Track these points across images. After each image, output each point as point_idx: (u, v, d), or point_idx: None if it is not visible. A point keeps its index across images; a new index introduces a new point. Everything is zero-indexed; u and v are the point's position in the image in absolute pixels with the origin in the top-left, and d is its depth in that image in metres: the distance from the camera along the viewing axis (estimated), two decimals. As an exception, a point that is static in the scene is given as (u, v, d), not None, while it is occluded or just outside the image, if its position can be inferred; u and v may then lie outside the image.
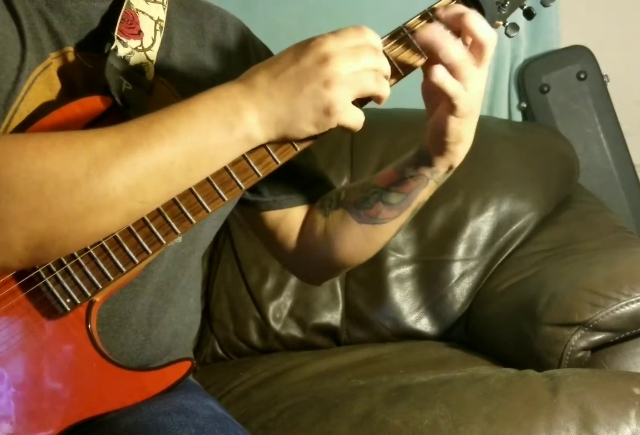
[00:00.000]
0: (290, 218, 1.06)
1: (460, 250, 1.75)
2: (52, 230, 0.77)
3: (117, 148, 0.77)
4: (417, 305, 1.73)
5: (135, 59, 0.93)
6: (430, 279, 1.74)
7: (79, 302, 0.84)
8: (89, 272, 0.83)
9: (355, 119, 0.82)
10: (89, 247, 0.82)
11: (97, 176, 0.76)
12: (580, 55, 2.05)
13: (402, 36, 0.86)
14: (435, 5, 0.88)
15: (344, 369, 1.50)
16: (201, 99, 0.81)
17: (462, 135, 0.90)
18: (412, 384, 1.32)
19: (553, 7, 1.88)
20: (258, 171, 0.83)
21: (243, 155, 0.82)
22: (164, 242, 0.83)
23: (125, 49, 0.91)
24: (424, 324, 1.72)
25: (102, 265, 0.83)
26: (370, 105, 0.85)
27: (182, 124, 0.79)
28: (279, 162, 0.84)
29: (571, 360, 1.36)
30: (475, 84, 0.85)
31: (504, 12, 0.91)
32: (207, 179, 0.82)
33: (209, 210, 0.83)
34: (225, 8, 1.07)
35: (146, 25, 0.95)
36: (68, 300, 0.83)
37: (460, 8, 0.86)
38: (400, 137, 1.77)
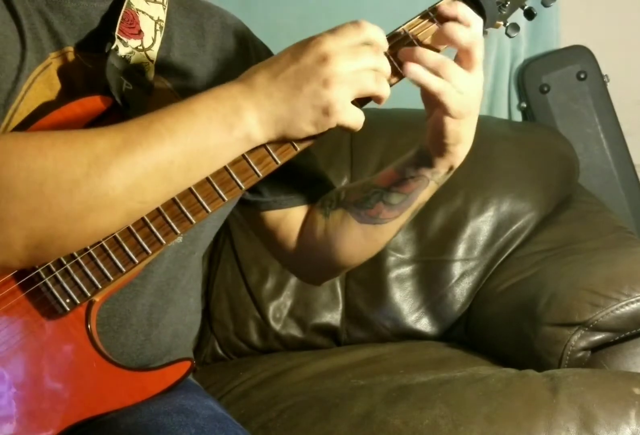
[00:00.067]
0: (290, 218, 1.06)
1: (460, 250, 1.75)
2: (52, 229, 0.77)
3: (117, 148, 0.77)
4: (417, 305, 1.73)
5: (136, 58, 0.93)
6: (430, 279, 1.74)
7: (78, 302, 0.83)
8: (89, 272, 0.83)
9: (354, 118, 0.82)
10: (88, 247, 0.82)
11: (97, 176, 0.76)
12: (580, 55, 2.05)
13: (402, 36, 0.86)
14: (436, 5, 0.88)
15: (344, 369, 1.50)
16: (201, 98, 0.81)
17: (460, 136, 0.90)
18: (412, 384, 1.32)
19: (553, 7, 1.88)
20: (258, 171, 0.83)
21: (243, 155, 0.82)
22: (164, 242, 0.83)
23: (126, 48, 0.91)
24: (424, 324, 1.72)
25: (101, 265, 0.83)
26: (370, 105, 0.85)
27: (182, 123, 0.79)
28: (279, 162, 0.84)
29: (571, 360, 1.36)
30: (467, 85, 0.85)
31: (504, 13, 0.91)
32: (207, 179, 0.82)
33: (209, 210, 0.83)
34: (225, 8, 1.07)
35: (146, 25, 0.95)
36: (68, 301, 0.83)
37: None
38: (400, 137, 1.77)
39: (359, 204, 1.00)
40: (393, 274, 1.75)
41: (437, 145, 0.92)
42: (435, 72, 0.84)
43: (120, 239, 0.82)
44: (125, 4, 0.93)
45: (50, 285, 0.83)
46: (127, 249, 0.83)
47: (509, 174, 1.81)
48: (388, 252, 1.74)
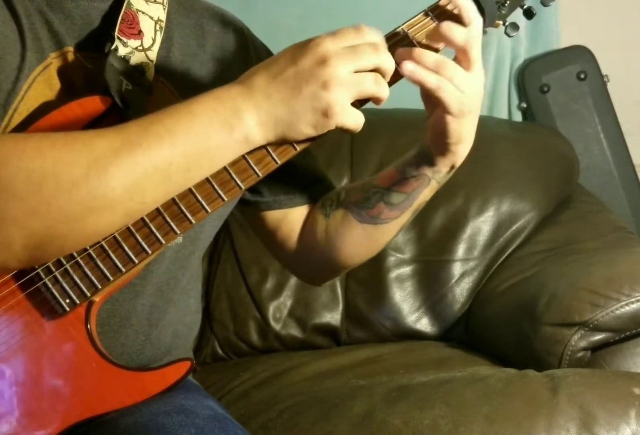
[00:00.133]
0: (290, 218, 1.06)
1: (460, 250, 1.75)
2: (51, 230, 0.77)
3: (116, 148, 0.77)
4: (417, 305, 1.73)
5: (136, 58, 0.93)
6: (430, 279, 1.74)
7: (78, 302, 0.84)
8: (89, 272, 0.83)
9: (354, 120, 0.82)
10: (88, 247, 0.82)
11: (97, 176, 0.76)
12: (580, 55, 2.05)
13: (401, 36, 0.86)
14: (434, 6, 0.88)
15: (344, 369, 1.50)
16: (201, 100, 0.81)
17: (462, 135, 0.90)
18: (412, 384, 1.32)
19: (553, 7, 1.88)
20: (257, 171, 0.83)
21: (242, 156, 0.82)
22: (164, 242, 0.83)
23: (126, 48, 0.91)
24: (424, 324, 1.72)
25: (101, 265, 0.83)
26: (370, 105, 0.85)
27: (181, 124, 0.79)
28: (279, 162, 0.84)
29: (571, 360, 1.36)
30: (468, 84, 0.85)
31: (503, 12, 0.91)
32: (207, 179, 0.82)
33: (209, 210, 0.83)
34: (225, 8, 1.07)
35: (146, 25, 0.95)
36: (67, 301, 0.83)
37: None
38: (400, 137, 1.77)
39: (359, 204, 1.00)
40: (393, 274, 1.75)
41: (439, 145, 0.92)
42: (435, 72, 0.84)
43: (119, 239, 0.82)
44: (125, 4, 0.93)
45: (50, 285, 0.83)
46: (126, 249, 0.83)
47: (509, 174, 1.81)
48: (388, 252, 1.74)
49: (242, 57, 1.04)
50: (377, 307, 1.73)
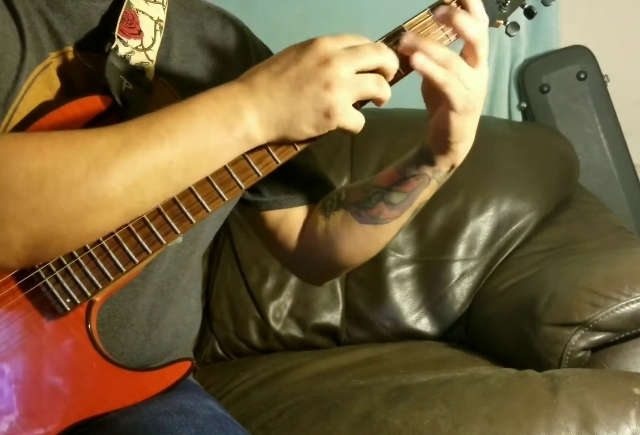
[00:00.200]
0: (291, 218, 1.06)
1: (460, 250, 1.75)
2: (51, 229, 0.77)
3: (116, 148, 0.77)
4: (417, 305, 1.73)
5: (136, 58, 0.93)
6: (430, 279, 1.74)
7: (78, 302, 0.83)
8: (89, 272, 0.83)
9: (355, 121, 0.81)
10: (88, 247, 0.82)
11: (96, 176, 0.76)
12: (580, 55, 2.05)
13: (401, 36, 0.86)
14: (435, 6, 0.88)
15: (344, 369, 1.50)
16: (200, 99, 0.81)
17: (464, 133, 0.90)
18: (412, 384, 1.32)
19: (553, 7, 1.88)
20: (258, 171, 0.83)
21: (243, 155, 0.82)
22: (164, 242, 0.83)
23: (126, 48, 0.91)
24: (424, 324, 1.72)
25: (102, 265, 0.83)
26: (371, 105, 0.85)
27: (181, 124, 0.79)
28: (279, 161, 0.84)
29: (571, 360, 1.36)
30: (473, 81, 0.85)
31: (504, 11, 0.91)
32: (207, 178, 0.82)
33: (209, 210, 0.83)
34: (225, 8, 1.07)
35: (146, 25, 0.95)
36: (68, 300, 0.83)
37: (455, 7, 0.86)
38: (400, 138, 1.77)
39: (359, 204, 1.00)
40: (393, 274, 1.75)
41: (440, 143, 0.92)
42: (443, 66, 0.84)
43: (120, 238, 0.82)
44: (125, 4, 0.93)
45: (50, 285, 0.83)
46: (127, 248, 0.83)
47: (509, 174, 1.81)
48: (388, 252, 1.74)
49: (242, 57, 1.04)
50: (377, 307, 1.73)
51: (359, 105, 0.83)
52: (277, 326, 1.71)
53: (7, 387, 0.83)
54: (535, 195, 1.79)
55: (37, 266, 0.82)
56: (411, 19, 0.87)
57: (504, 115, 2.10)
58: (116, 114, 0.86)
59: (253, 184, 0.84)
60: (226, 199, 0.83)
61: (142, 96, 0.91)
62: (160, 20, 0.97)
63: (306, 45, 0.81)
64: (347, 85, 0.79)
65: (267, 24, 1.78)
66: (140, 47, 0.93)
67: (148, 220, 0.82)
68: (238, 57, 1.03)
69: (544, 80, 2.05)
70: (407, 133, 1.74)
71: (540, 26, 2.05)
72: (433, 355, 1.57)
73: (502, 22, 0.93)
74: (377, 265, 1.73)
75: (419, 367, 1.47)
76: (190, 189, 0.82)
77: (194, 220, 0.83)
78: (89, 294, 0.83)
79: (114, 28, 0.91)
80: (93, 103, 0.86)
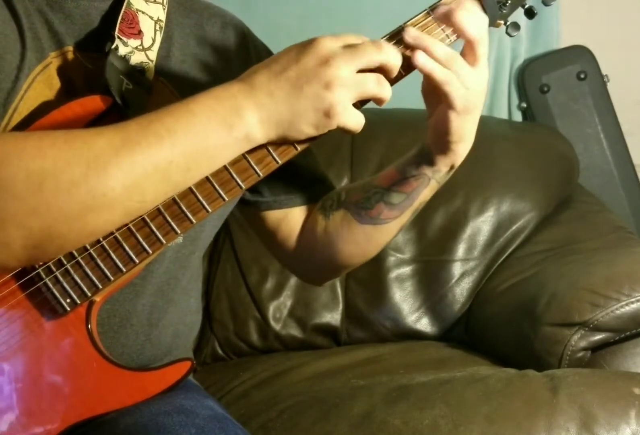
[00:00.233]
0: (291, 218, 1.06)
1: (460, 250, 1.75)
2: (51, 229, 0.77)
3: (116, 147, 0.77)
4: (417, 305, 1.73)
5: (136, 58, 0.93)
6: (430, 279, 1.74)
7: (79, 302, 0.83)
8: (89, 272, 0.83)
9: (355, 121, 0.81)
10: (88, 247, 0.82)
11: (96, 176, 0.76)
12: (580, 55, 2.05)
13: (402, 36, 0.86)
14: (435, 5, 0.88)
15: (344, 369, 1.50)
16: (200, 98, 0.81)
17: (464, 133, 0.90)
18: (412, 384, 1.32)
19: (553, 7, 1.88)
20: (258, 171, 0.83)
21: (243, 155, 0.82)
22: (164, 242, 0.83)
23: (126, 48, 0.91)
24: (424, 324, 1.72)
25: (102, 265, 0.83)
26: (371, 105, 0.85)
27: (181, 123, 0.79)
28: (280, 161, 0.84)
29: (571, 360, 1.36)
30: (472, 81, 0.85)
31: (505, 11, 0.91)
32: (207, 178, 0.82)
33: (209, 210, 0.83)
34: (225, 8, 1.07)
35: (146, 25, 0.95)
36: (68, 300, 0.83)
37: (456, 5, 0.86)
38: (400, 137, 1.77)
39: (359, 204, 1.00)
40: (393, 274, 1.75)
41: (440, 143, 0.92)
42: (444, 65, 0.84)
43: (120, 238, 0.82)
44: (125, 4, 0.93)
45: (50, 285, 0.83)
46: (127, 248, 0.83)
47: (509, 174, 1.80)
48: (388, 252, 1.74)
49: (242, 57, 1.04)
50: (377, 307, 1.73)
51: (359, 105, 0.83)
52: (277, 326, 1.71)
53: (7, 387, 0.83)
54: (535, 195, 1.79)
55: (37, 266, 0.82)
56: (411, 19, 0.87)
57: (504, 115, 2.10)
58: (116, 113, 0.86)
59: (253, 184, 0.84)
60: (226, 199, 0.83)
61: (142, 96, 0.91)
62: (160, 20, 0.97)
63: (306, 45, 0.81)
64: (348, 85, 0.79)
65: (267, 24, 1.78)
66: (140, 47, 0.93)
67: (148, 220, 0.82)
68: (238, 57, 1.03)
69: (544, 80, 2.05)
70: (407, 133, 1.74)
71: (540, 26, 2.05)
72: (433, 355, 1.57)
73: (502, 22, 0.93)
74: (377, 265, 1.73)
75: (419, 367, 1.47)
76: (190, 189, 0.82)
77: (194, 221, 0.83)
78: (89, 294, 0.83)
79: (114, 28, 0.91)
80: (93, 103, 0.86)
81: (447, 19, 0.86)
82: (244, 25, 1.07)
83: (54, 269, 0.82)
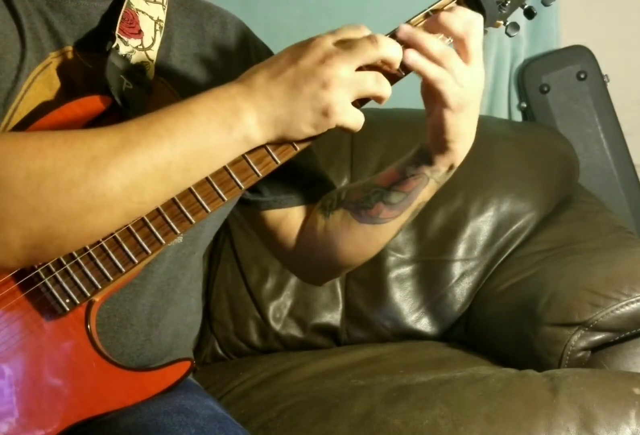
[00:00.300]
0: (291, 218, 1.06)
1: (460, 250, 1.75)
2: (50, 229, 0.77)
3: (115, 148, 0.77)
4: (417, 305, 1.73)
5: (136, 57, 0.93)
6: (430, 279, 1.74)
7: (78, 302, 0.83)
8: (88, 273, 0.83)
9: (354, 120, 0.81)
10: (88, 247, 0.82)
11: (96, 176, 0.76)
12: (580, 55, 2.05)
13: (397, 30, 0.86)
14: (435, 6, 0.88)
15: (344, 369, 1.50)
16: (200, 99, 0.81)
17: (460, 131, 0.89)
18: (412, 384, 1.32)
19: (553, 7, 1.88)
20: (257, 171, 0.83)
21: (242, 155, 0.82)
22: (164, 242, 0.83)
23: (126, 47, 0.91)
24: (424, 324, 1.72)
25: (101, 265, 0.83)
26: (371, 104, 0.85)
27: (181, 124, 0.79)
28: (279, 161, 0.84)
29: (571, 360, 1.36)
30: (466, 78, 0.85)
31: (504, 12, 0.91)
32: (207, 178, 0.82)
33: (209, 210, 0.83)
34: (225, 8, 1.07)
35: (146, 25, 0.95)
36: (67, 301, 0.83)
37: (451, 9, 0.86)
38: (400, 137, 1.77)
39: (359, 203, 1.00)
40: (393, 274, 1.75)
41: (438, 142, 0.91)
42: (438, 61, 0.83)
43: (119, 239, 0.82)
44: (125, 3, 0.93)
45: (49, 285, 0.83)
46: (126, 249, 0.83)
47: (509, 174, 1.81)
48: (388, 252, 1.74)
49: (242, 57, 1.04)
50: (377, 307, 1.73)
51: (358, 104, 0.82)
52: (277, 326, 1.71)
53: (6, 388, 0.83)
54: (535, 195, 1.79)
55: (36, 266, 0.82)
56: (410, 19, 0.87)
57: (504, 115, 2.10)
58: (116, 113, 0.86)
59: (253, 184, 0.84)
60: (226, 199, 0.83)
61: (142, 96, 0.91)
62: (160, 20, 0.97)
63: (305, 44, 0.81)
64: (346, 84, 0.79)
65: (267, 24, 1.78)
66: (140, 47, 0.93)
67: (147, 220, 0.82)
68: (238, 57, 1.03)
69: (544, 80, 2.05)
70: (407, 133, 1.74)
71: (540, 26, 2.05)
72: (433, 355, 1.57)
73: (502, 22, 0.93)
74: (377, 265, 1.73)
75: (419, 367, 1.47)
76: (189, 189, 0.82)
77: (193, 221, 0.83)
78: (89, 294, 0.83)
79: (114, 28, 0.91)
80: (93, 103, 0.86)
81: (434, 25, 0.85)
82: (244, 25, 1.07)
83: (53, 269, 0.82)
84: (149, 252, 0.83)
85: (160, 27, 0.97)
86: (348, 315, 1.74)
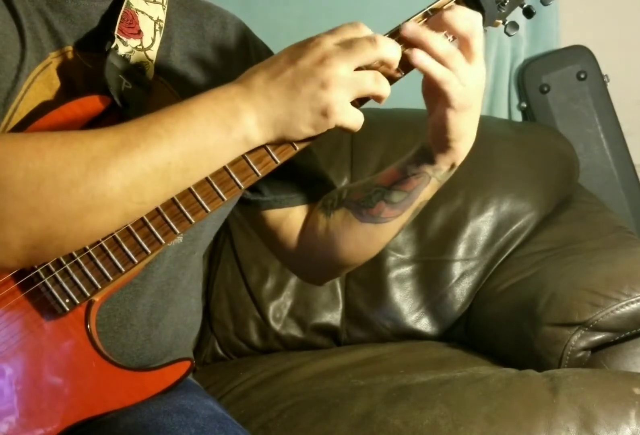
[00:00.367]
0: (292, 218, 1.06)
1: (460, 250, 1.75)
2: (50, 229, 0.77)
3: (115, 148, 0.77)
4: (417, 305, 1.73)
5: (136, 57, 0.93)
6: (430, 279, 1.74)
7: (78, 302, 0.83)
8: (88, 272, 0.83)
9: (354, 119, 0.81)
10: (87, 247, 0.82)
11: (95, 176, 0.76)
12: (580, 55, 2.05)
13: (400, 35, 0.86)
14: (435, 5, 0.88)
15: (344, 369, 1.50)
16: (200, 100, 0.81)
17: (462, 131, 0.89)
18: (412, 384, 1.32)
19: (553, 7, 1.88)
20: (257, 171, 0.83)
21: (242, 155, 0.82)
22: (163, 242, 0.83)
23: (126, 47, 0.91)
24: (424, 324, 1.72)
25: (101, 265, 0.83)
26: (371, 104, 0.85)
27: (180, 124, 0.79)
28: (278, 161, 0.84)
29: (571, 360, 1.36)
30: (470, 78, 0.85)
31: (503, 11, 0.91)
32: (206, 178, 0.82)
33: (208, 210, 0.83)
34: (225, 8, 1.07)
35: (146, 25, 0.95)
36: (67, 301, 0.83)
37: (451, 7, 0.86)
38: (400, 137, 1.77)
39: (360, 202, 1.00)
40: (393, 274, 1.75)
41: (439, 141, 0.91)
42: (442, 60, 0.83)
43: (119, 238, 0.82)
44: (124, 3, 0.93)
45: (49, 285, 0.83)
46: (126, 248, 0.83)
47: (509, 174, 1.81)
48: (388, 252, 1.74)
49: (242, 57, 1.04)
50: (377, 307, 1.73)
51: (358, 103, 0.82)
52: (277, 326, 1.71)
53: (6, 387, 0.83)
54: (535, 195, 1.79)
55: (36, 266, 0.82)
56: (410, 18, 0.87)
57: (504, 115, 2.10)
58: (116, 113, 0.86)
59: (252, 183, 0.84)
60: (225, 199, 0.83)
61: (141, 96, 0.91)
62: (160, 20, 0.97)
63: (303, 45, 0.80)
64: (344, 84, 0.79)
65: (267, 24, 1.78)
66: (140, 47, 0.93)
67: (147, 220, 0.82)
68: (238, 57, 1.03)
69: (544, 80, 2.05)
70: (407, 133, 1.74)
71: (540, 26, 2.05)
72: (433, 355, 1.57)
73: (501, 21, 0.92)
74: (377, 265, 1.73)
75: (419, 367, 1.47)
76: (189, 189, 0.82)
77: (193, 220, 0.83)
78: (88, 294, 0.83)
79: (114, 28, 0.91)
80: (92, 103, 0.86)
81: (437, 23, 0.85)
82: (244, 25, 1.07)
83: (52, 269, 0.82)
84: (149, 252, 0.83)
85: (160, 27, 0.97)
86: (348, 315, 1.74)
